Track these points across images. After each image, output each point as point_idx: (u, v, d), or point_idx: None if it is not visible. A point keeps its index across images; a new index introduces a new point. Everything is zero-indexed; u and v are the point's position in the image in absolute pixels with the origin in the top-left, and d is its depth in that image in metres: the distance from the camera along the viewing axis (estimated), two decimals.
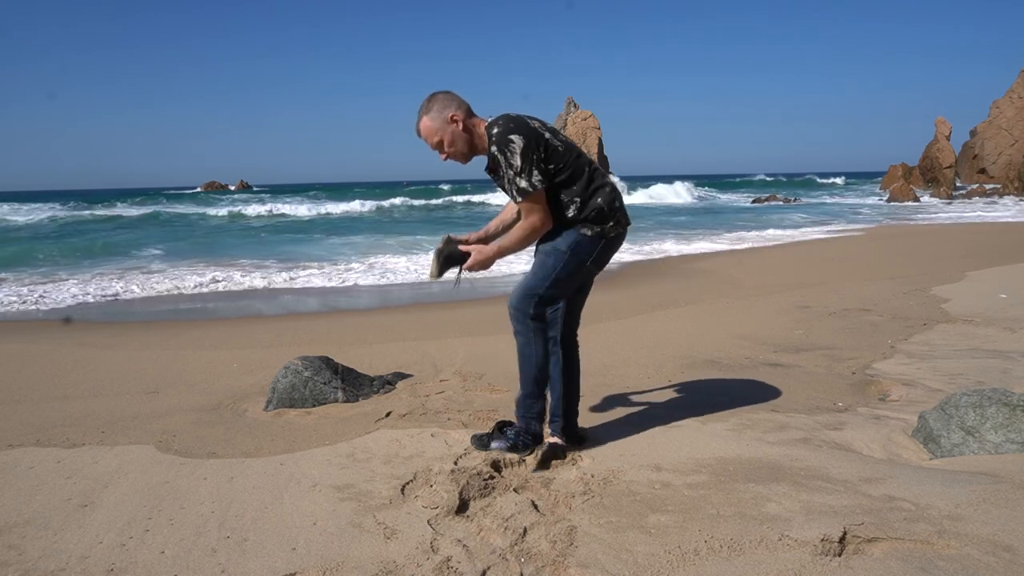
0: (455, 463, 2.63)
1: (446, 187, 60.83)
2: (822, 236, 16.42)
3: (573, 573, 1.85)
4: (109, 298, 7.93)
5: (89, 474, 2.68)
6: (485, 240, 2.67)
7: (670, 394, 3.64)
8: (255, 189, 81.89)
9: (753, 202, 36.92)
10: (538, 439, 2.61)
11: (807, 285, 8.14)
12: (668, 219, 22.95)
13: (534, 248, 2.59)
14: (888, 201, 32.71)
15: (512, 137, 2.34)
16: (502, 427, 2.76)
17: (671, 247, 14.02)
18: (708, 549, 1.92)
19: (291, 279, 10.09)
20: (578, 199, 2.47)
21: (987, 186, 39.26)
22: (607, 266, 2.69)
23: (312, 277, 10.33)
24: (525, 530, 2.10)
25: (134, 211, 32.54)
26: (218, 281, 9.52)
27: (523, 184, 2.36)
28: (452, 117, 2.43)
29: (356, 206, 33.55)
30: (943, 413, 2.75)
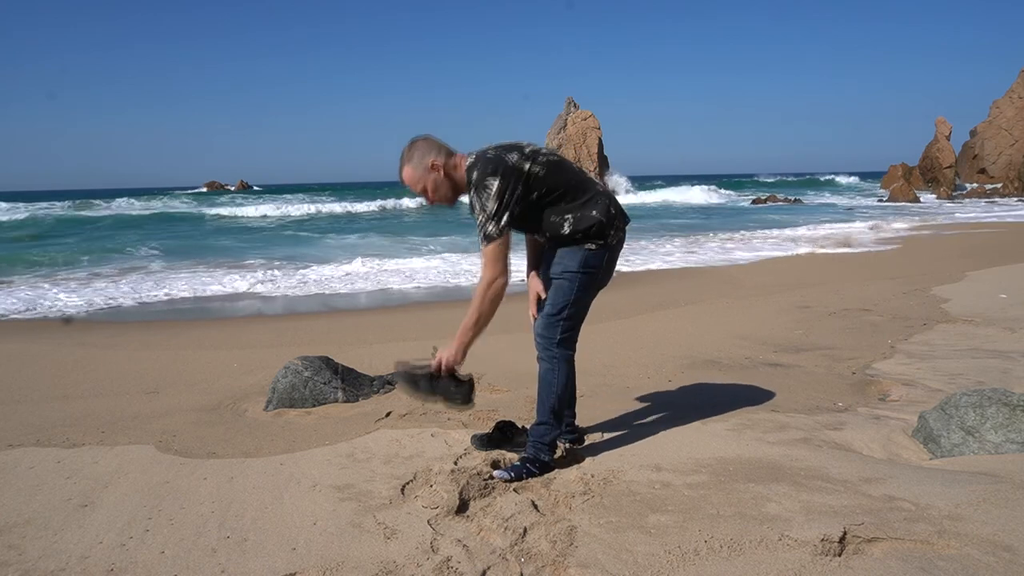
0: (455, 463, 2.63)
1: None
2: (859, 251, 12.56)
3: (573, 573, 1.85)
4: (111, 307, 7.82)
5: (89, 474, 2.68)
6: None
7: (670, 394, 3.64)
8: (255, 189, 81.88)
9: (753, 202, 36.87)
10: (546, 468, 2.54)
11: (807, 285, 8.14)
12: (668, 222, 22.85)
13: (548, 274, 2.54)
14: (888, 201, 32.70)
15: (488, 180, 2.32)
16: (502, 427, 2.76)
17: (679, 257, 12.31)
18: (708, 549, 1.92)
19: (291, 279, 10.08)
20: (570, 216, 2.43)
21: (987, 186, 39.27)
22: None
23: (313, 277, 10.33)
24: (525, 530, 2.10)
25: (134, 211, 32.56)
26: (216, 286, 9.42)
27: (491, 229, 2.32)
28: (432, 165, 2.42)
29: (361, 207, 33.49)
30: (943, 413, 2.75)
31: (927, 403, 3.23)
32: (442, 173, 2.43)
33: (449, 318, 6.72)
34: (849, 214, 25.87)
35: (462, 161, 2.45)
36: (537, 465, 2.52)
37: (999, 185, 38.42)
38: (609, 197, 2.54)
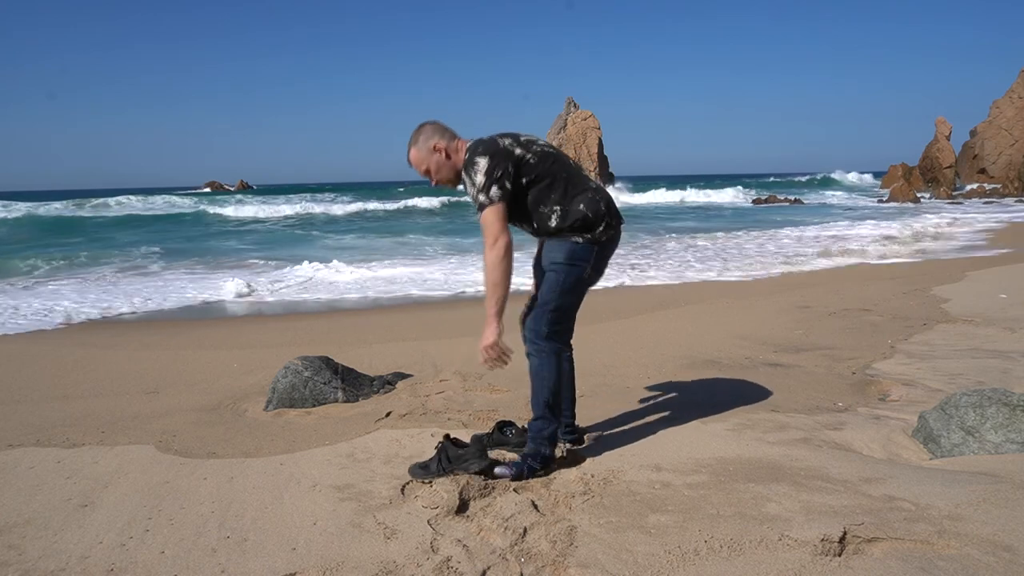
0: None
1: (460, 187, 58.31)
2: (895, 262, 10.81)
3: (573, 573, 1.85)
4: (112, 318, 7.65)
5: (89, 474, 2.68)
6: None
7: (670, 394, 3.64)
8: (255, 189, 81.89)
9: (754, 202, 36.82)
10: (547, 462, 2.55)
11: (807, 285, 8.15)
12: (664, 223, 22.74)
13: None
14: (888, 201, 32.70)
15: (477, 159, 2.43)
16: (502, 427, 2.76)
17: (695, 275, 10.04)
18: (708, 549, 1.92)
19: (294, 280, 10.07)
20: (558, 207, 2.48)
21: (987, 186, 39.26)
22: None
23: (313, 277, 10.33)
24: (525, 530, 2.10)
25: (134, 211, 32.54)
26: (215, 290, 9.29)
27: (482, 199, 2.40)
28: (435, 147, 2.55)
29: (368, 206, 33.38)
30: (943, 413, 2.75)
31: (927, 403, 3.23)
32: (444, 155, 2.54)
33: (450, 318, 6.73)
34: (886, 217, 21.94)
35: (463, 145, 2.56)
36: (538, 460, 2.53)
37: (999, 185, 38.41)
38: (602, 195, 2.56)
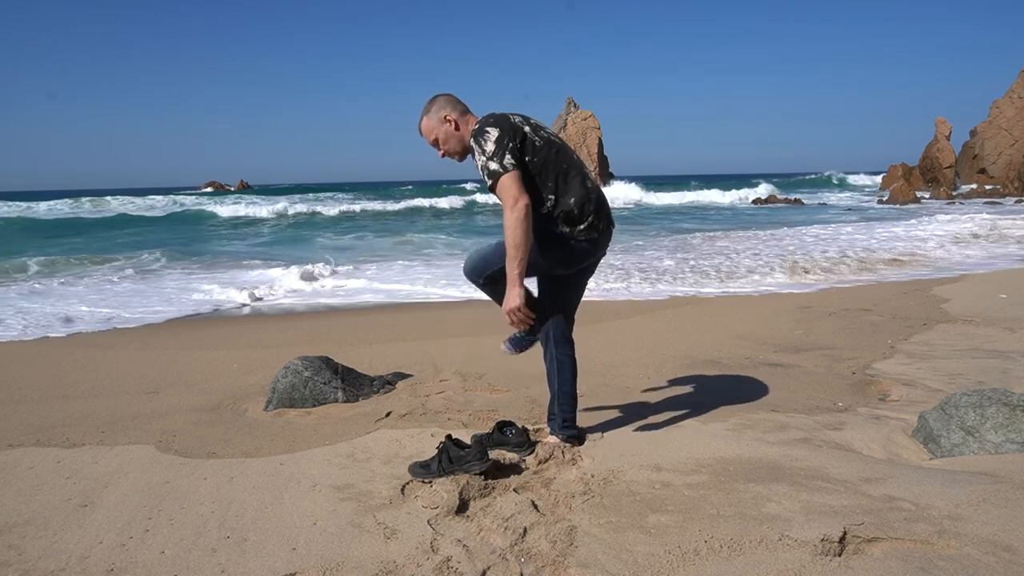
0: None
1: (470, 186, 53.42)
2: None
3: (573, 573, 1.85)
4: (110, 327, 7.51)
5: (89, 474, 2.68)
6: None
7: (670, 394, 3.64)
8: (255, 189, 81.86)
9: (753, 202, 36.76)
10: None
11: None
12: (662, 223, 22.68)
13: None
14: (888, 202, 32.67)
15: (487, 128, 2.46)
16: (502, 427, 2.76)
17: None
18: (708, 549, 1.92)
19: (294, 280, 10.04)
20: (552, 196, 2.52)
21: (987, 186, 39.24)
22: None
23: (314, 277, 10.32)
24: (525, 530, 2.10)
25: (133, 211, 32.54)
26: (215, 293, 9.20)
27: (494, 166, 2.40)
28: (446, 117, 2.59)
29: (370, 205, 33.32)
30: (943, 413, 2.75)
31: (927, 403, 3.23)
32: (454, 126, 2.59)
33: (450, 318, 6.72)
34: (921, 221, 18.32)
35: (473, 120, 2.59)
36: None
37: (999, 185, 38.39)
38: (594, 194, 2.58)
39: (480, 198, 35.98)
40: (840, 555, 1.86)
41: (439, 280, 9.64)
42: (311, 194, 55.13)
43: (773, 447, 2.69)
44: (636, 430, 2.98)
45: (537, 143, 2.51)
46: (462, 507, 2.25)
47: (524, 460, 2.64)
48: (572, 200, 2.51)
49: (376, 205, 34.22)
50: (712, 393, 3.61)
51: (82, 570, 1.96)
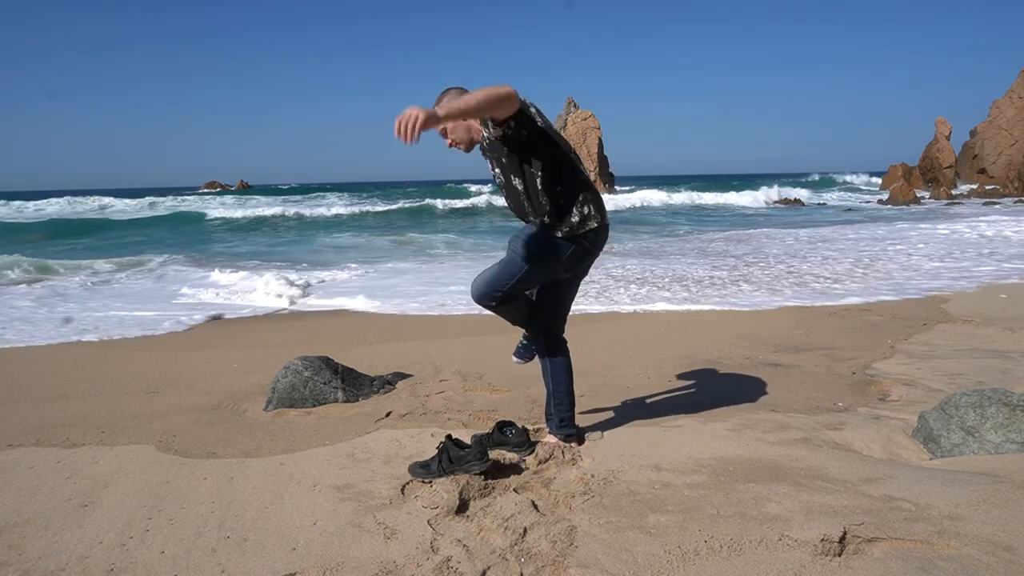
0: None
1: (474, 187, 51.31)
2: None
3: (573, 573, 1.85)
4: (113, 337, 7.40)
5: (89, 474, 2.68)
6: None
7: (670, 394, 3.64)
8: (255, 188, 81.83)
9: (777, 203, 35.54)
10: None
11: None
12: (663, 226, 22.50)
13: None
14: (888, 202, 32.64)
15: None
16: (502, 427, 2.76)
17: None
18: (708, 549, 1.92)
19: (296, 281, 10.03)
20: (550, 193, 2.50)
21: (987, 186, 39.23)
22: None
23: (315, 278, 10.32)
24: (525, 530, 2.10)
25: (133, 212, 32.54)
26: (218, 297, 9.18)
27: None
28: None
29: (372, 207, 33.25)
30: (943, 413, 2.75)
31: (927, 403, 3.23)
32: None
33: (450, 318, 6.72)
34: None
35: None
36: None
37: (999, 185, 38.38)
38: (594, 195, 2.58)
39: (482, 200, 35.75)
40: (840, 555, 1.86)
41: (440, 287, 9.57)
42: (311, 194, 55.08)
43: (773, 447, 2.69)
44: (636, 430, 2.98)
45: (547, 132, 2.49)
46: (462, 507, 2.25)
47: (524, 460, 2.64)
48: (567, 201, 2.50)
49: (376, 205, 34.18)
50: (712, 393, 3.61)
51: (82, 570, 1.96)
